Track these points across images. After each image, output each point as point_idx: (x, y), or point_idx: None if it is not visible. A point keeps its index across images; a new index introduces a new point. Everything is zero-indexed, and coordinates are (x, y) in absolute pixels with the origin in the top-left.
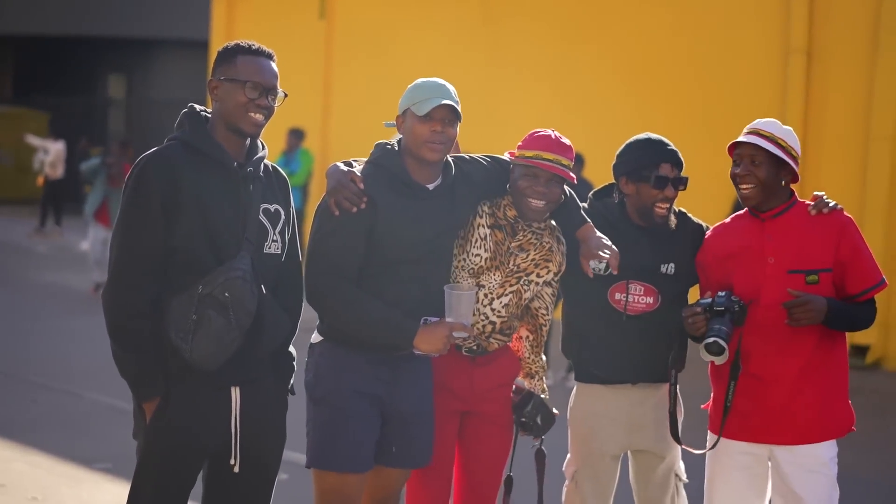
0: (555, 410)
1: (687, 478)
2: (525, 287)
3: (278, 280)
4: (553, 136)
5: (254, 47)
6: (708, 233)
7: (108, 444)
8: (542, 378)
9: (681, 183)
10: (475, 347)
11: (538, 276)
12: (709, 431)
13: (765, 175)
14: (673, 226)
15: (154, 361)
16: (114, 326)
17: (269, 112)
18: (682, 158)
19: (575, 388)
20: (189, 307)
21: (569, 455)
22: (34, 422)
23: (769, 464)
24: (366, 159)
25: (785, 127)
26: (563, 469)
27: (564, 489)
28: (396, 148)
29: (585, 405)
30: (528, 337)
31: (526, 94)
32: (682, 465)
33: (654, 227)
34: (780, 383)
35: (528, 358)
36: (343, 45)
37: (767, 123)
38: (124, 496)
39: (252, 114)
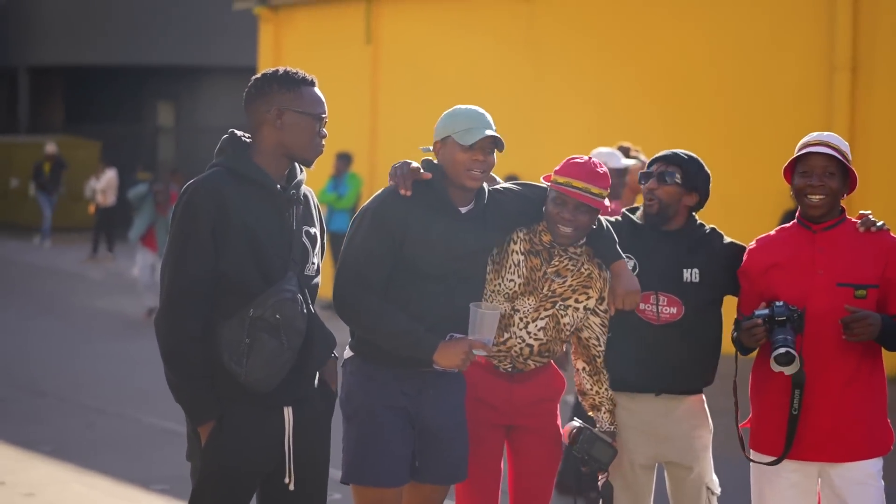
0: (613, 443)
1: (720, 490)
2: (562, 312)
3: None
4: (586, 164)
5: (308, 78)
6: (752, 243)
7: (163, 467)
8: (608, 410)
9: (665, 176)
10: (510, 368)
11: (577, 301)
12: (750, 448)
13: (837, 186)
14: (699, 233)
15: (207, 386)
16: (168, 352)
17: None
18: (680, 160)
19: None
20: (241, 330)
21: None
22: (90, 445)
23: (818, 479)
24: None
25: (843, 140)
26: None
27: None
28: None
29: None
30: (584, 368)
31: (569, 114)
32: (714, 478)
33: (677, 231)
34: (826, 397)
35: (591, 390)
36: (389, 69)
37: (831, 136)
38: None
39: (319, 143)
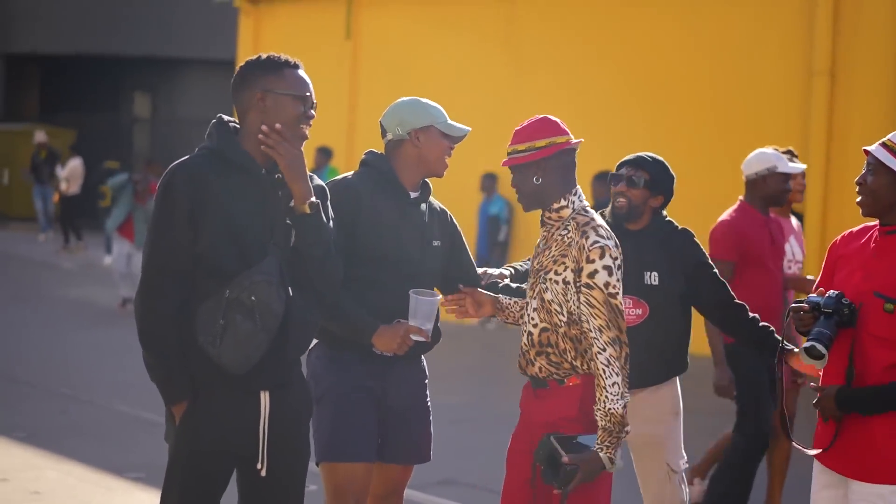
0: (565, 459)
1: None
2: (544, 287)
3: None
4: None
5: (291, 61)
6: (845, 233)
7: (138, 454)
8: (603, 428)
9: (633, 179)
10: (525, 374)
11: (556, 273)
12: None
13: (875, 185)
14: (662, 234)
15: (181, 366)
16: (143, 330)
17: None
18: (646, 164)
19: None
20: (217, 312)
21: None
22: (64, 432)
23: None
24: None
25: None
26: None
27: None
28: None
29: None
30: (576, 385)
31: (548, 112)
32: (680, 457)
33: (640, 231)
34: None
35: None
36: (368, 64)
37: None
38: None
39: (303, 126)
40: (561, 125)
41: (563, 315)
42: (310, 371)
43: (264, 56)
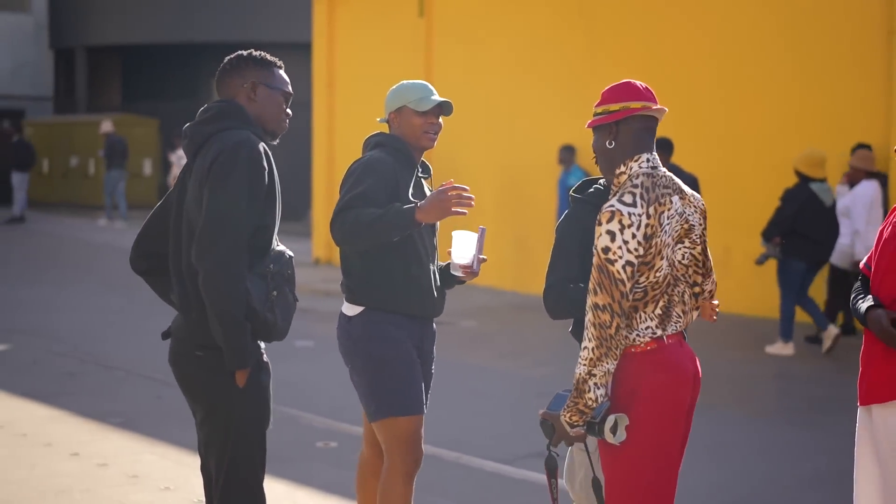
0: (540, 412)
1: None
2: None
3: None
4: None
5: (278, 62)
6: None
7: None
8: (570, 396)
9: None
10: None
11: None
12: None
13: None
14: None
15: (250, 330)
16: (228, 294)
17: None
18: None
19: None
20: (264, 283)
21: None
22: (160, 416)
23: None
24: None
25: None
26: None
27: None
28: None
29: None
30: None
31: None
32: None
33: None
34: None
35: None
36: (442, 42)
37: None
38: None
39: (285, 119)
40: (641, 90)
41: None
42: (362, 335)
43: (255, 52)
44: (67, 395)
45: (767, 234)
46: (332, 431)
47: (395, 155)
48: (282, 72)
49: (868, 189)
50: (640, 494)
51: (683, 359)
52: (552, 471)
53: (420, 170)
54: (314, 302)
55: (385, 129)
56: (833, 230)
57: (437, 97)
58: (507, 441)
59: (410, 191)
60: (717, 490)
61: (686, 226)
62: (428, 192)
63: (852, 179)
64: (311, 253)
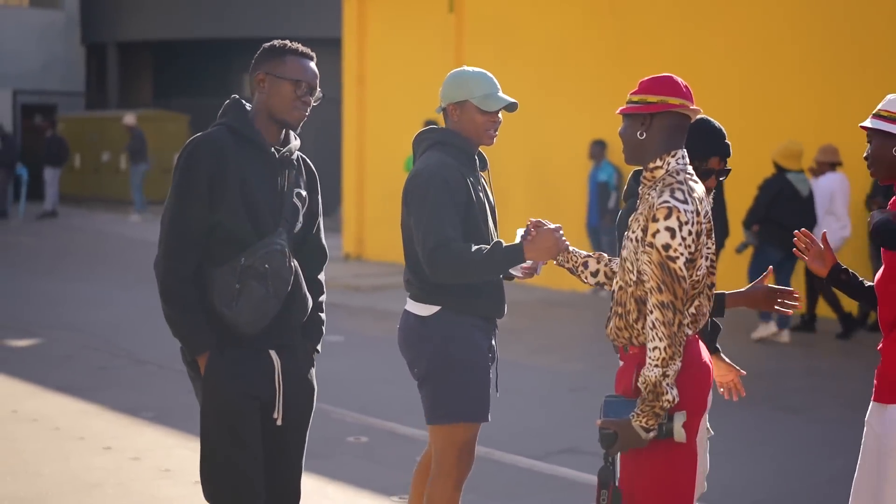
0: (598, 422)
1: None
2: (624, 244)
3: (308, 255)
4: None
5: (300, 49)
6: None
7: None
8: (642, 395)
9: (723, 174)
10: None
11: (632, 230)
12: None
13: (873, 150)
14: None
15: (202, 318)
16: (165, 290)
17: (308, 108)
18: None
19: None
20: (232, 277)
21: None
22: (192, 411)
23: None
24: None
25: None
26: None
27: None
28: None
29: None
30: (634, 354)
31: None
32: None
33: None
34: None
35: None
36: (472, 37)
37: (888, 102)
38: None
39: (299, 107)
40: (682, 88)
41: (633, 273)
42: (440, 336)
43: (276, 42)
44: (100, 390)
45: (746, 223)
46: (362, 426)
47: (458, 156)
48: (298, 59)
49: (830, 181)
50: (679, 494)
51: (707, 357)
52: (605, 483)
53: (478, 162)
54: (344, 297)
55: (439, 119)
56: (808, 219)
57: (503, 96)
58: (538, 437)
59: (476, 194)
60: (749, 485)
61: (709, 225)
62: (486, 185)
63: (817, 172)
64: (342, 248)
